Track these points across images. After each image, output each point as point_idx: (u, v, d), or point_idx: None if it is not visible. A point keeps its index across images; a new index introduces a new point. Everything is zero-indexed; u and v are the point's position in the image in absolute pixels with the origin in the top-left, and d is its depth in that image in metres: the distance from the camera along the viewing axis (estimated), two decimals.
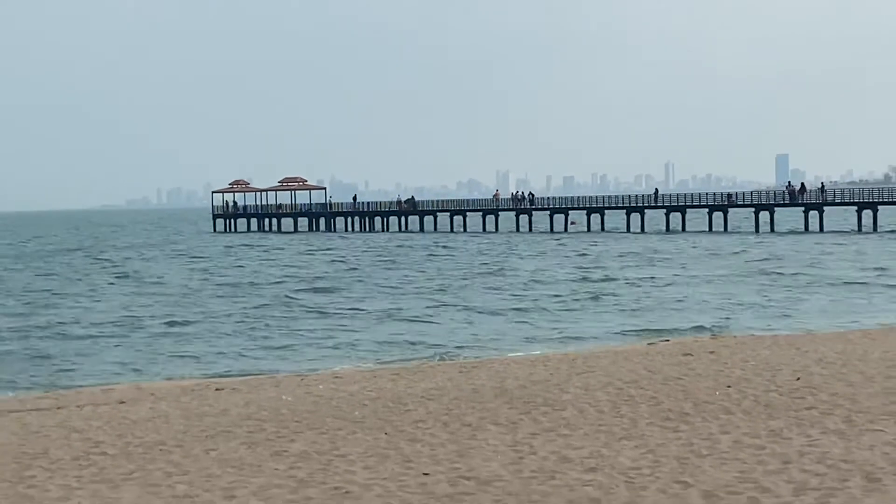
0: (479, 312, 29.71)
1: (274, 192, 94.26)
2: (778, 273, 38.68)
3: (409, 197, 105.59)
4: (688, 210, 74.02)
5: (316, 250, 67.28)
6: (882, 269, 37.85)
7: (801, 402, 11.09)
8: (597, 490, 7.15)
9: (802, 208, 68.13)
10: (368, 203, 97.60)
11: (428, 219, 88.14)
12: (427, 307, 31.63)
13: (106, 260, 63.44)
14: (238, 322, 28.35)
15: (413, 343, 22.72)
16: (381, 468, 8.39)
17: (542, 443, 9.35)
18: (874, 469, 7.45)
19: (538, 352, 20.33)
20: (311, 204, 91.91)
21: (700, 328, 23.31)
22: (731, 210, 71.92)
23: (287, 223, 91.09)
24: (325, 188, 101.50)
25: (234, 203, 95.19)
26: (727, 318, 25.62)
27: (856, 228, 64.99)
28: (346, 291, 37.50)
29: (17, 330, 26.68)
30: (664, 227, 74.26)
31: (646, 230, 74.47)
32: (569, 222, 79.68)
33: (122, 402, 14.59)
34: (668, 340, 20.26)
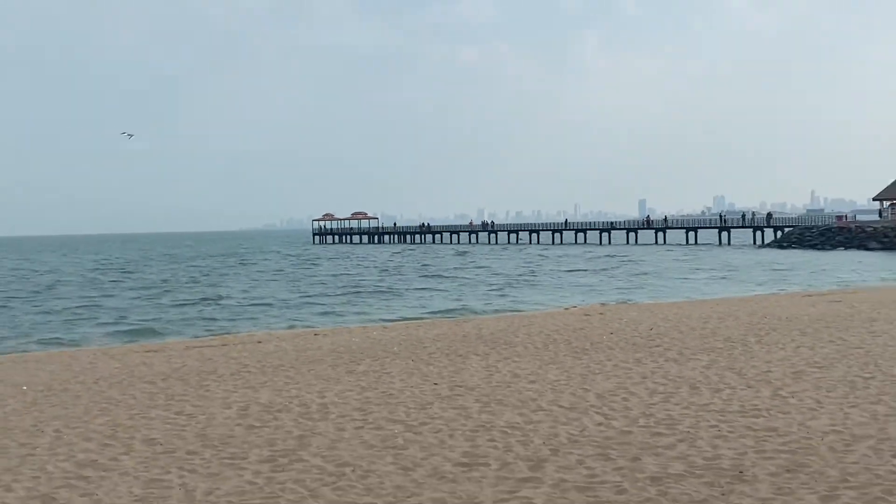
0: (463, 286, 39.71)
1: (347, 220, 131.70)
2: (641, 269, 50.92)
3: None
4: (588, 231, 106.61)
5: (368, 255, 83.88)
6: (700, 266, 51.61)
7: (652, 343, 15.33)
8: (535, 393, 10.40)
9: (653, 230, 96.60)
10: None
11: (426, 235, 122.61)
12: (435, 286, 41.01)
13: (246, 259, 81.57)
14: (324, 295, 36.94)
15: (425, 308, 30.25)
16: (409, 380, 11.85)
17: (503, 366, 13.06)
18: (696, 382, 11.00)
19: (501, 313, 27.18)
20: (369, 227, 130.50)
21: (593, 300, 30.99)
22: (613, 231, 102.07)
23: (355, 239, 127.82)
24: (377, 217, 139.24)
25: (324, 227, 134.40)
26: (603, 294, 34.20)
27: (684, 242, 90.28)
28: (395, 278, 47.12)
29: (189, 302, 34.57)
30: (573, 242, 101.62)
31: (563, 243, 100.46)
32: (517, 239, 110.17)
33: (259, 342, 18.79)
34: (576, 307, 26.77)
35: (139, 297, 37.09)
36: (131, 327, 25.37)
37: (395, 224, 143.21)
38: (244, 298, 36.10)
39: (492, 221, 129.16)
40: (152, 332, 23.92)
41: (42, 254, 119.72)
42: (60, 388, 12.36)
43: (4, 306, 33.87)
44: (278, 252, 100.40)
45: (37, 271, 65.59)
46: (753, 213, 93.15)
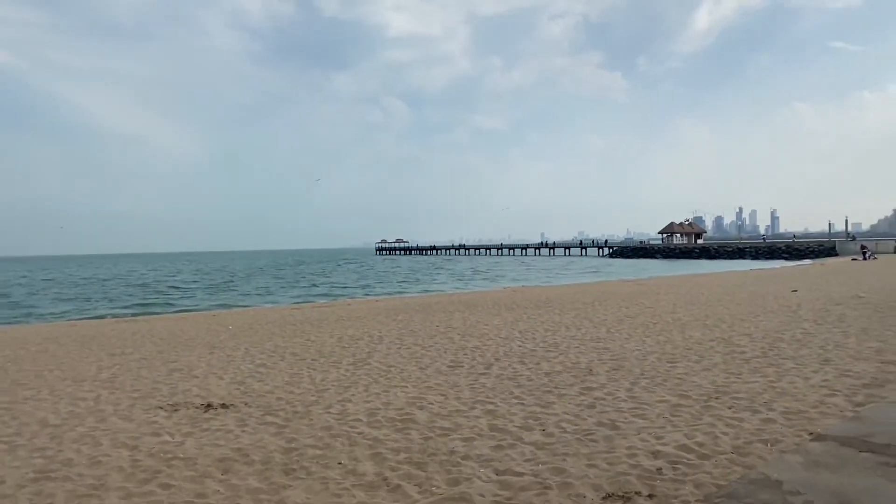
0: (460, 280, 45.28)
1: (396, 241, 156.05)
2: (540, 268, 60.14)
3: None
4: (515, 248, 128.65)
5: (403, 263, 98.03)
6: (570, 268, 58.91)
7: (547, 304, 17.75)
8: (487, 330, 12.56)
9: (549, 248, 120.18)
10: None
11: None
12: (436, 277, 49.07)
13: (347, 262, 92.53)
14: (387, 277, 48.13)
15: (429, 288, 36.40)
16: (423, 324, 14.11)
17: (471, 317, 15.41)
18: (568, 324, 12.99)
19: (469, 290, 32.76)
20: (408, 246, 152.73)
21: (517, 283, 36.75)
22: (528, 249, 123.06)
23: (397, 254, 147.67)
24: (407, 241, 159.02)
25: (382, 247, 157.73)
26: (523, 280, 41.03)
27: (564, 255, 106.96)
28: (416, 274, 54.02)
29: (311, 284, 43.53)
30: (509, 255, 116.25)
31: (502, 255, 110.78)
32: (481, 253, 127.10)
33: (348, 304, 22.64)
34: (506, 287, 31.27)
35: (281, 280, 49.83)
36: (273, 297, 32.98)
37: (416, 245, 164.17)
38: (338, 281, 46.97)
39: (462, 244, 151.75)
40: (293, 297, 31.52)
41: (226, 261, 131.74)
42: (246, 326, 15.21)
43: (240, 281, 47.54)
44: (357, 261, 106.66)
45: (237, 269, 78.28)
46: (593, 240, 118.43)
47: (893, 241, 66.80)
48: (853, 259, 49.96)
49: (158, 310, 27.04)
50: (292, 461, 5.05)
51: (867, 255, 50.79)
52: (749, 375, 7.44)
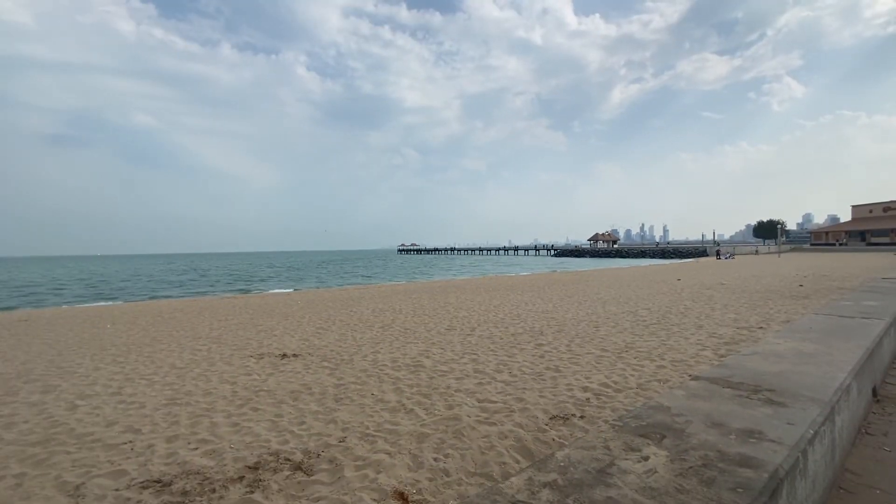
0: (448, 271, 41.94)
1: (412, 245, 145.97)
2: (506, 264, 56.96)
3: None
4: (489, 250, 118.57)
5: (417, 261, 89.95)
6: (520, 263, 56.86)
7: (512, 287, 17.65)
8: (473, 304, 12.24)
9: (514, 250, 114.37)
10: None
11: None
12: (437, 270, 45.80)
13: (375, 260, 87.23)
14: (405, 269, 45.31)
15: (433, 276, 34.35)
16: (429, 301, 13.47)
17: (461, 296, 14.99)
18: (527, 301, 12.52)
19: (460, 277, 30.55)
20: (418, 248, 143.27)
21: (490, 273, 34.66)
22: (498, 250, 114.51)
23: (411, 254, 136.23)
24: (419, 244, 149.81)
25: (402, 248, 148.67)
26: (490, 271, 39.97)
27: (524, 254, 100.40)
28: (426, 267, 52.01)
29: (350, 273, 41.80)
30: (487, 254, 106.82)
31: (483, 255, 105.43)
32: (469, 253, 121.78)
33: (379, 287, 21.04)
34: (483, 276, 29.64)
35: (337, 269, 50.22)
36: (326, 282, 30.88)
37: (425, 247, 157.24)
38: (370, 271, 44.67)
39: (453, 247, 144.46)
40: (337, 284, 28.69)
41: (293, 258, 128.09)
42: (309, 302, 14.77)
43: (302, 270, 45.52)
44: (384, 259, 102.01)
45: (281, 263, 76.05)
46: (544, 244, 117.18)
47: (749, 247, 66.56)
48: (717, 258, 50.01)
49: (248, 287, 26.85)
50: (340, 392, 5.00)
51: (722, 256, 50.86)
52: (648, 336, 7.36)
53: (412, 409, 4.40)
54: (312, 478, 3.20)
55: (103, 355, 7.45)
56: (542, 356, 6.21)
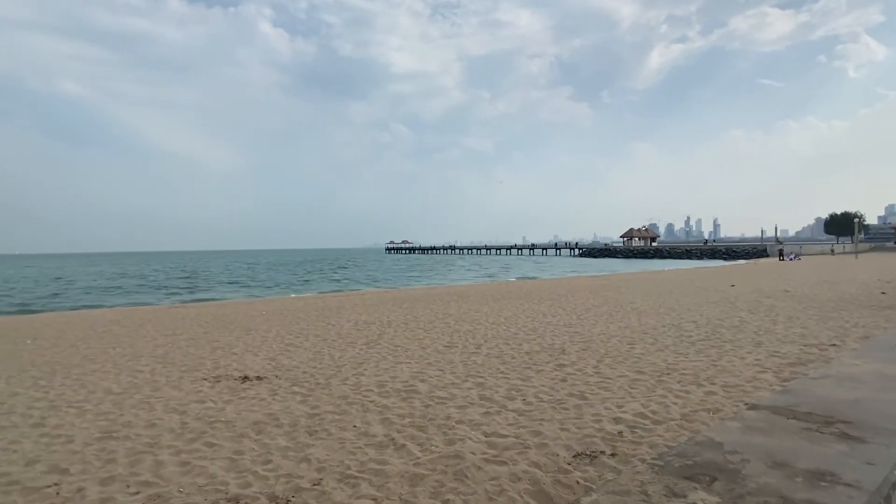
0: (448, 275, 43.75)
1: (403, 243, 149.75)
2: (523, 265, 60.66)
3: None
4: (499, 248, 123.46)
5: (412, 258, 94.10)
6: (541, 264, 60.88)
7: (527, 295, 18.00)
8: (477, 316, 12.52)
9: (530, 249, 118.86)
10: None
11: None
12: (434, 273, 50.20)
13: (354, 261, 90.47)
14: (395, 273, 47.57)
15: (432, 281, 36.72)
16: (424, 311, 14.07)
17: (464, 305, 15.40)
18: (545, 312, 12.92)
19: (462, 282, 32.75)
20: (411, 246, 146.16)
21: (500, 279, 37.96)
22: (512, 250, 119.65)
23: (402, 253, 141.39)
24: (411, 242, 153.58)
25: (391, 247, 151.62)
26: (501, 276, 39.60)
27: (543, 255, 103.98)
28: (416, 270, 54.21)
29: (331, 278, 42.58)
30: (490, 255, 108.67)
31: (485, 255, 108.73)
32: (468, 253, 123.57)
33: (362, 295, 21.99)
34: (494, 280, 31.63)
35: (313, 272, 51.48)
36: (298, 288, 31.73)
37: (419, 245, 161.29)
38: (357, 275, 46.49)
39: (454, 245, 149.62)
40: (315, 289, 30.14)
41: (257, 257, 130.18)
42: (276, 312, 15.08)
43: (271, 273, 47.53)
44: (369, 259, 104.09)
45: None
46: (566, 242, 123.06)
47: (819, 246, 66.75)
48: (779, 260, 50.13)
49: (203, 297, 26.94)
50: (315, 424, 5.03)
51: (785, 257, 51.07)
52: (695, 355, 7.42)
53: (403, 445, 4.42)
54: None
55: (22, 377, 7.48)
56: (563, 379, 6.27)
